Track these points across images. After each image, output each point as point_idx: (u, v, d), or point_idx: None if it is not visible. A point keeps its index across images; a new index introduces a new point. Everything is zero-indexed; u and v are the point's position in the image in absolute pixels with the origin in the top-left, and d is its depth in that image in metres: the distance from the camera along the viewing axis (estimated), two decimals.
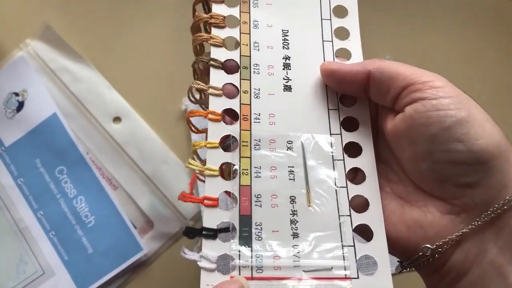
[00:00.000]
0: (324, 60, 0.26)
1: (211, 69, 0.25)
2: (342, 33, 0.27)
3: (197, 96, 0.27)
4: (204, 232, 0.22)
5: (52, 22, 0.43)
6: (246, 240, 0.22)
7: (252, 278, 0.21)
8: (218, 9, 0.27)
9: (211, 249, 0.22)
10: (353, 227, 0.23)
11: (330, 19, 0.27)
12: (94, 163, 0.41)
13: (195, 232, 0.23)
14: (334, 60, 0.26)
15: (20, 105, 0.42)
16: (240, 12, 0.27)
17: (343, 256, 0.22)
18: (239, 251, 0.22)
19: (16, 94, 0.42)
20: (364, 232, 0.23)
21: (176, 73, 0.43)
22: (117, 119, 0.42)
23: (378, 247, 0.23)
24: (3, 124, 0.42)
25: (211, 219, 0.22)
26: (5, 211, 0.40)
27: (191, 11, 0.27)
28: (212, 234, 0.22)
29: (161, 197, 0.40)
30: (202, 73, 0.27)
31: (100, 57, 0.43)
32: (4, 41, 0.43)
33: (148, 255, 0.39)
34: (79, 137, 0.41)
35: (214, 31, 0.26)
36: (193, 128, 0.27)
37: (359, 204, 0.24)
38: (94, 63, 0.43)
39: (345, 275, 0.22)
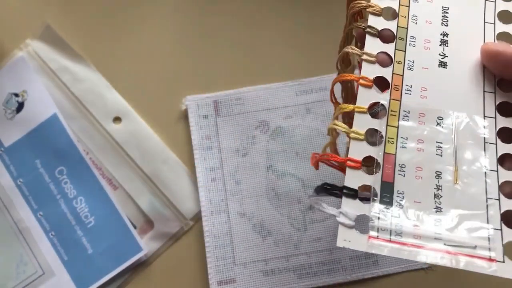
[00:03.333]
0: (484, 42, 0.26)
1: (367, 36, 0.25)
2: (506, 16, 0.27)
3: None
4: (345, 191, 0.22)
5: (52, 22, 0.43)
6: (387, 204, 0.22)
7: (390, 241, 0.21)
8: None
9: (351, 207, 0.22)
10: (502, 212, 0.23)
11: (495, 1, 0.27)
12: (94, 163, 0.41)
13: (335, 189, 0.23)
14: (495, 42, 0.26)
15: (20, 106, 0.42)
16: None
17: (489, 237, 0.22)
18: (379, 213, 0.22)
19: (16, 95, 0.42)
20: (510, 221, 0.23)
21: (176, 73, 0.43)
22: (117, 119, 0.42)
23: None
24: (2, 125, 0.42)
25: (353, 179, 0.23)
26: (5, 212, 0.40)
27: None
28: (353, 194, 0.22)
29: (161, 197, 0.40)
30: (350, 42, 0.27)
31: (100, 57, 0.43)
32: (4, 42, 0.43)
33: (148, 255, 0.39)
34: (79, 137, 0.41)
35: (374, 0, 0.26)
36: (333, 96, 0.28)
37: (509, 192, 0.23)
38: (94, 63, 0.43)
39: (490, 256, 0.21)
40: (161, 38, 0.44)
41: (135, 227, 0.40)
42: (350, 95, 0.31)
